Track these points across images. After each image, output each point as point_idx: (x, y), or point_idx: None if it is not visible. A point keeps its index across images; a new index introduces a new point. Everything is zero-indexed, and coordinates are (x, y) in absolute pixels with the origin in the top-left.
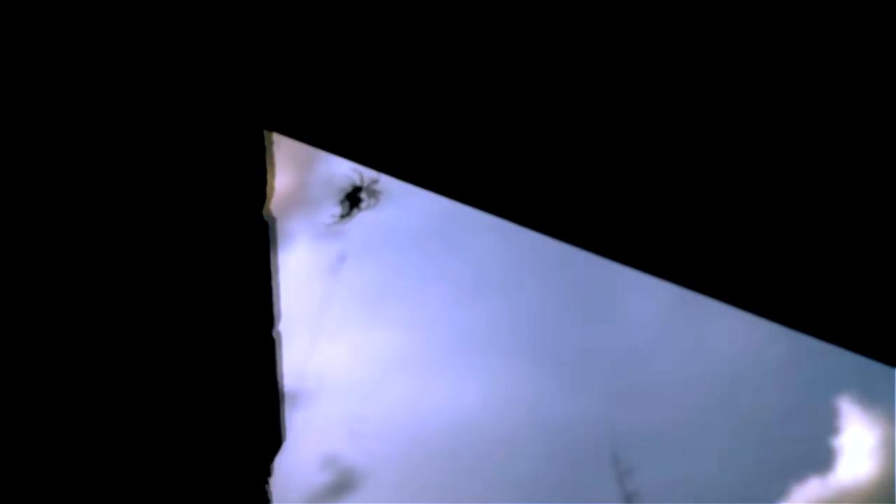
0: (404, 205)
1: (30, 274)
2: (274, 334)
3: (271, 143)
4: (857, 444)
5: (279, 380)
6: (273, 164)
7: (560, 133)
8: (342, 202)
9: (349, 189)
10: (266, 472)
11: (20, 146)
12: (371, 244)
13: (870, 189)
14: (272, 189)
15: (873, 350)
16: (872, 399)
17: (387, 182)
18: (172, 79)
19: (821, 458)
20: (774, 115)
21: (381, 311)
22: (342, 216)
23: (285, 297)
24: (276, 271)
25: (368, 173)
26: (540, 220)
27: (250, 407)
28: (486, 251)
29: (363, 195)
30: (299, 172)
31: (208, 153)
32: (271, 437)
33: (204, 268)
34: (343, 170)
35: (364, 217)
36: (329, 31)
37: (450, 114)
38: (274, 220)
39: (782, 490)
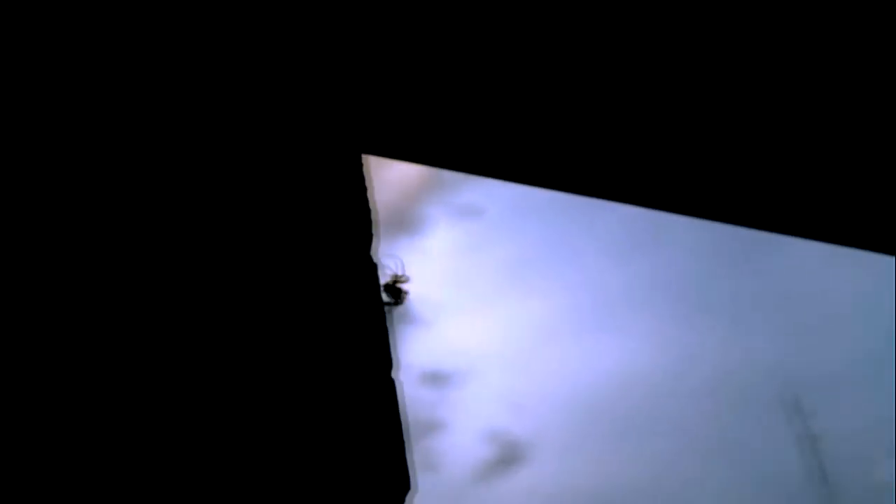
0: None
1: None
2: (393, 376)
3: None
4: None
5: (402, 422)
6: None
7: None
8: (387, 293)
9: (390, 282)
10: None
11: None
12: (509, 217)
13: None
14: (376, 216)
15: None
16: None
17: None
18: (271, 108)
19: None
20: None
21: (528, 281)
22: (389, 305)
23: (431, 279)
24: (385, 313)
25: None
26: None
27: (375, 452)
28: (627, 210)
29: (400, 286)
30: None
31: (309, 183)
32: (399, 481)
33: (319, 312)
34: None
35: (498, 190)
36: (418, 53)
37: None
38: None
39: None
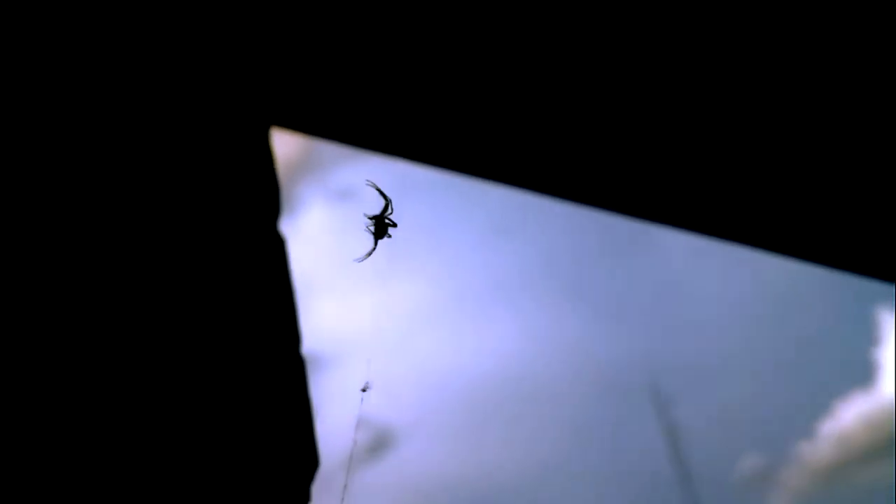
0: None
1: (29, 284)
2: (302, 353)
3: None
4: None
5: (311, 400)
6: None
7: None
8: (373, 233)
9: (372, 224)
10: (305, 496)
11: (16, 146)
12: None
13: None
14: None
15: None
16: None
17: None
18: (174, 79)
19: (863, 373)
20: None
21: (404, 265)
22: (370, 252)
23: (304, 261)
24: (296, 288)
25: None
26: (551, 185)
27: (288, 430)
28: (505, 193)
29: (384, 224)
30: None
31: (217, 157)
32: (307, 459)
33: (223, 285)
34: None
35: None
36: (331, 26)
37: (451, 98)
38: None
39: (826, 407)
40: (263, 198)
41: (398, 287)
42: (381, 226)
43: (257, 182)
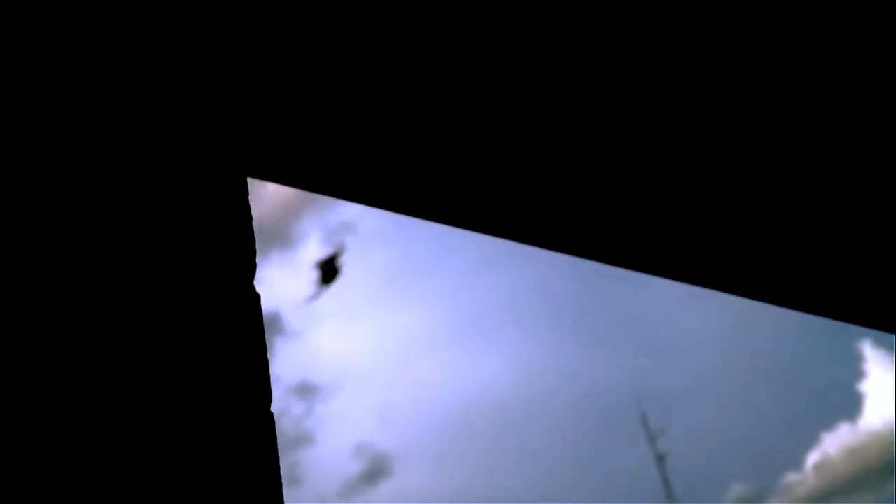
0: None
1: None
2: (272, 411)
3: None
4: (881, 388)
5: (277, 456)
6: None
7: (539, 172)
8: (319, 276)
9: (323, 262)
10: None
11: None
12: (381, 233)
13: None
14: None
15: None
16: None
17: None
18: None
19: (849, 404)
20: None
21: (399, 296)
22: (320, 287)
23: (303, 292)
24: (266, 347)
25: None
26: (536, 237)
27: (251, 493)
28: None
29: (336, 264)
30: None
31: (193, 210)
32: None
33: (197, 345)
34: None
35: (367, 211)
36: (306, 79)
37: (425, 149)
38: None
39: (813, 438)
40: (238, 253)
41: (394, 317)
42: (329, 270)
43: (232, 237)
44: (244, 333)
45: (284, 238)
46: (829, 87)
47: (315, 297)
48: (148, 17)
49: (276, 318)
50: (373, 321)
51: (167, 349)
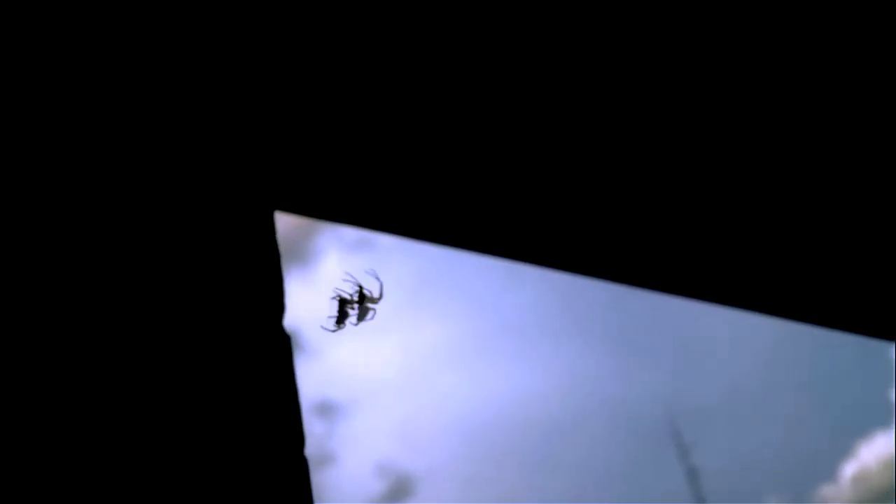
0: None
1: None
2: (305, 454)
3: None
4: None
5: (312, 500)
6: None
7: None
8: (338, 313)
9: (342, 301)
10: None
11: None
12: (400, 247)
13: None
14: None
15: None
16: None
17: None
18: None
19: (882, 412)
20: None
21: (420, 311)
22: (338, 324)
23: (322, 309)
24: (299, 388)
25: (354, 282)
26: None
27: None
28: None
29: (354, 304)
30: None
31: (224, 248)
32: None
33: (228, 391)
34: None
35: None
36: (330, 115)
37: (449, 181)
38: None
39: (848, 448)
40: (267, 292)
41: (416, 331)
42: (353, 304)
43: (261, 275)
44: (274, 376)
45: (302, 254)
46: (837, 107)
47: (335, 328)
48: (180, 54)
49: (295, 335)
50: (395, 336)
51: (196, 394)
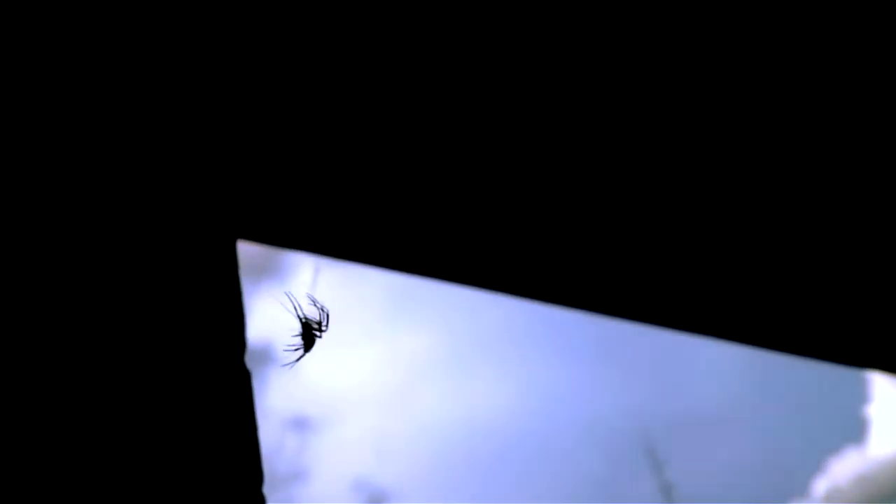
0: None
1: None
2: (263, 492)
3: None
4: (889, 411)
5: None
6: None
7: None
8: (300, 340)
9: (303, 327)
10: None
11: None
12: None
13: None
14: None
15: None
16: None
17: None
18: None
19: (855, 429)
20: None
21: (394, 323)
22: (302, 353)
23: (293, 323)
24: (257, 423)
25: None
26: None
27: None
28: None
29: (317, 329)
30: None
31: (184, 280)
32: None
33: (186, 431)
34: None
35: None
36: (293, 143)
37: (412, 209)
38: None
39: (819, 464)
40: (227, 326)
41: (390, 346)
42: (308, 334)
43: (221, 308)
44: (233, 414)
45: (274, 266)
46: (819, 144)
47: (298, 356)
48: (145, 83)
49: (267, 348)
50: (369, 350)
51: (151, 431)
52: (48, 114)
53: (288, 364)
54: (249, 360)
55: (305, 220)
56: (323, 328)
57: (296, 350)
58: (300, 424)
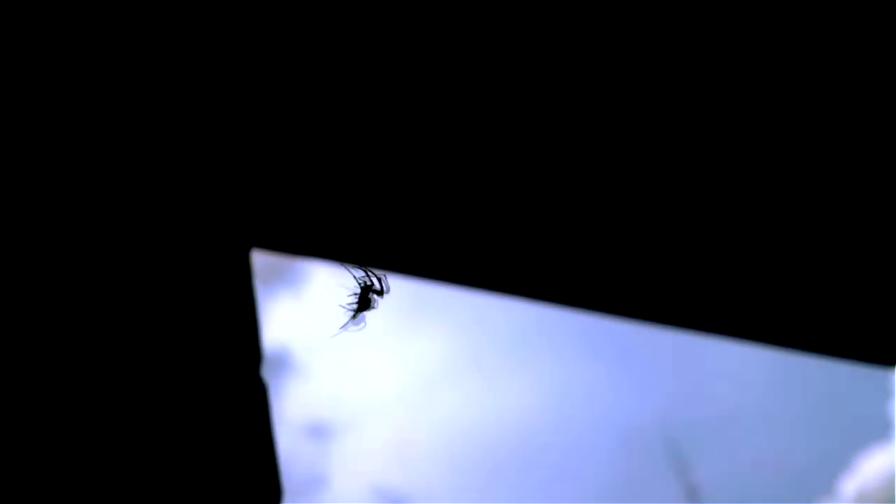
0: None
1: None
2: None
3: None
4: None
5: None
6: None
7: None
8: (356, 306)
9: (362, 289)
10: None
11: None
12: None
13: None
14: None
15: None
16: None
17: None
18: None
19: (881, 427)
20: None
21: (412, 327)
22: (354, 317)
23: (312, 328)
24: (277, 438)
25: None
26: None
27: None
28: None
29: (373, 294)
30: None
31: (200, 292)
32: None
33: (203, 445)
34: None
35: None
36: (306, 153)
37: (425, 217)
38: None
39: (846, 462)
40: (243, 340)
41: (408, 350)
42: (364, 298)
43: (236, 320)
44: (251, 430)
45: (291, 271)
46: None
47: (348, 325)
48: (154, 90)
49: (285, 353)
50: (388, 354)
51: (169, 445)
52: (64, 124)
53: (342, 326)
54: (268, 368)
55: (319, 229)
56: (384, 290)
57: (352, 310)
58: (319, 431)
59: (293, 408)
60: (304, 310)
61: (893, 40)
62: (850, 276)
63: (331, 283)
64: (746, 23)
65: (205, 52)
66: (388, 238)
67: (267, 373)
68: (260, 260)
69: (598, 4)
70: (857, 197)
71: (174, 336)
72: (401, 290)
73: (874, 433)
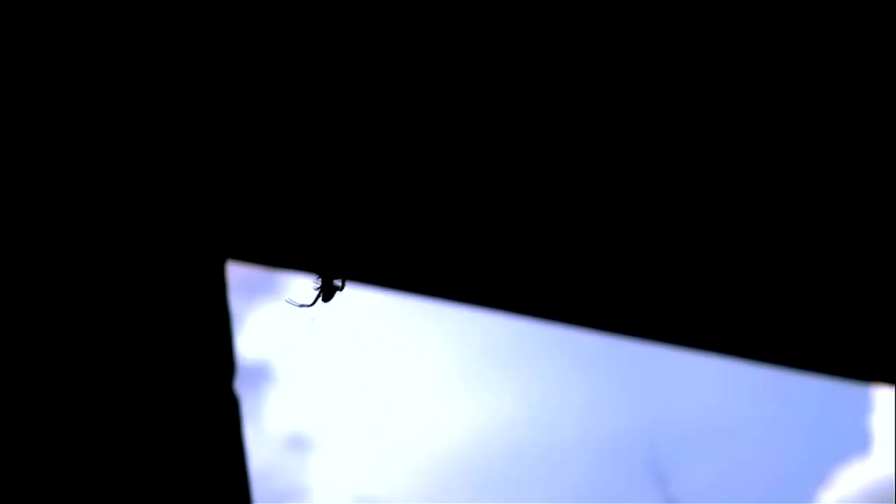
0: None
1: None
2: None
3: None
4: (890, 424)
5: None
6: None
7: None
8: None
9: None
10: None
11: None
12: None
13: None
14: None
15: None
16: None
17: None
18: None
19: (860, 441)
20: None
21: (393, 337)
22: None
23: (294, 339)
24: (247, 451)
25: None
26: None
27: None
28: None
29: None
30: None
31: (173, 303)
32: None
33: (173, 457)
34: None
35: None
36: (282, 164)
37: (401, 229)
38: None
39: (825, 475)
40: (216, 351)
41: (391, 360)
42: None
43: (209, 332)
44: (222, 444)
45: (271, 281)
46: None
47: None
48: (133, 101)
49: (266, 365)
50: (370, 365)
51: (139, 456)
52: (41, 129)
53: (299, 303)
54: (247, 380)
55: (295, 241)
56: (343, 285)
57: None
58: (300, 443)
59: (274, 419)
60: (285, 321)
61: (892, 40)
62: (830, 294)
63: (310, 294)
64: (747, 23)
65: (181, 64)
66: (368, 251)
67: (246, 385)
68: (242, 272)
69: (598, 4)
70: (835, 218)
71: (146, 347)
72: (385, 302)
73: (853, 447)
